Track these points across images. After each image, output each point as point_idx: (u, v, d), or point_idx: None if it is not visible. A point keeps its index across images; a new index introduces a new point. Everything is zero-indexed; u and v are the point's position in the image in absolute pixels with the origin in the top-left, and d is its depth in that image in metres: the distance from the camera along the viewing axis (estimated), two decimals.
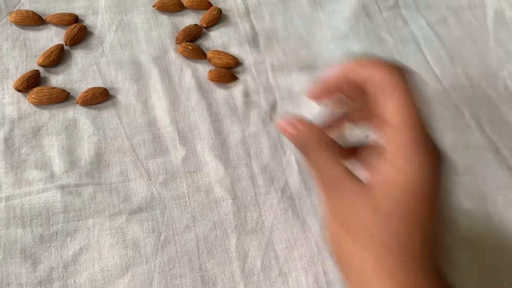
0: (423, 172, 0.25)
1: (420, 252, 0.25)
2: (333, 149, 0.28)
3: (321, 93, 0.31)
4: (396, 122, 0.26)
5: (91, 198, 0.34)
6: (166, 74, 0.41)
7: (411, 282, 0.25)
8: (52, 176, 0.35)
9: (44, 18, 0.42)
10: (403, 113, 0.26)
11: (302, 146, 0.29)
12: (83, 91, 0.39)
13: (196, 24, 0.44)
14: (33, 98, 0.37)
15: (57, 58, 0.40)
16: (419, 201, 0.25)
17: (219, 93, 0.41)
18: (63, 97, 0.38)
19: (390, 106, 0.26)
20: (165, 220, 0.34)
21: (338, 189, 0.27)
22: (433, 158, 0.26)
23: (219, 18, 0.45)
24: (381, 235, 0.25)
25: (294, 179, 0.37)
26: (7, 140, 0.36)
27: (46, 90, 0.38)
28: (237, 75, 0.42)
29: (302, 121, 0.30)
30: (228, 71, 0.42)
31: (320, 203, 0.36)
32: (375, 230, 0.25)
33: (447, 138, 0.41)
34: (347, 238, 0.27)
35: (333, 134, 0.30)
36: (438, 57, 0.46)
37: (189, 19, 0.45)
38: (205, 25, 0.44)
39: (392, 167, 0.26)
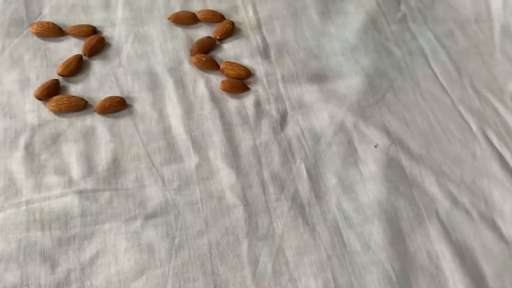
0: None
1: None
2: None
3: None
4: None
5: (107, 203, 0.35)
6: (180, 84, 0.42)
7: None
8: (70, 181, 0.36)
9: (64, 29, 0.44)
10: None
11: None
12: (101, 100, 0.40)
13: (210, 37, 0.46)
14: (53, 106, 0.39)
15: (76, 68, 0.42)
16: None
17: (231, 102, 0.42)
18: (81, 106, 0.39)
19: None
20: (179, 225, 0.35)
21: None
22: None
23: (232, 31, 0.46)
24: None
25: (303, 187, 0.38)
26: (28, 146, 0.37)
27: (65, 99, 0.39)
28: (249, 86, 0.43)
29: None
30: (240, 81, 0.43)
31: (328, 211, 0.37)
32: None
33: (454, 149, 0.42)
34: None
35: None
36: (445, 70, 0.47)
37: (203, 32, 0.46)
38: (218, 37, 0.46)
39: None
